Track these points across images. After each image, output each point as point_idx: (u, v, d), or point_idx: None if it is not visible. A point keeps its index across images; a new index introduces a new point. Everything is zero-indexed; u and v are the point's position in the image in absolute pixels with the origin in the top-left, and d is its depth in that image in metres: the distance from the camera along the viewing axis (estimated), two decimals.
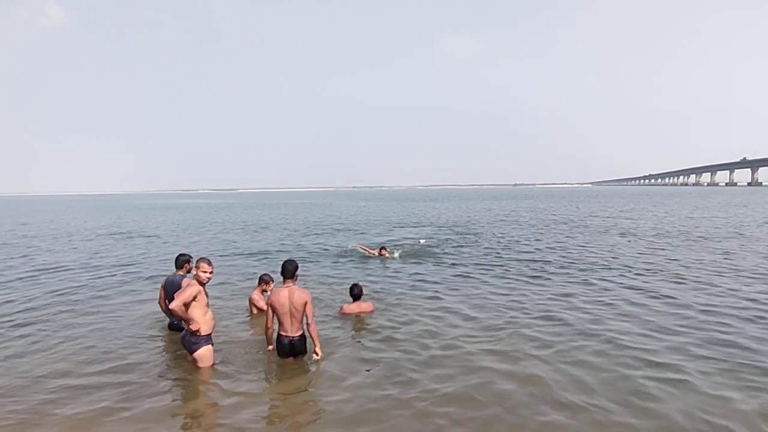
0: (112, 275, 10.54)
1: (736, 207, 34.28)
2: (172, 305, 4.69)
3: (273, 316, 5.10)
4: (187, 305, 4.75)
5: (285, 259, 5.38)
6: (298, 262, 5.30)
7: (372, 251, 12.67)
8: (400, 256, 12.40)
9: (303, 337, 5.16)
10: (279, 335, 5.15)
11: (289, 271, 5.12)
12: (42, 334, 6.32)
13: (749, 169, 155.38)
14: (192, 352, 4.95)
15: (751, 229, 18.35)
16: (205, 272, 4.90)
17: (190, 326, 4.82)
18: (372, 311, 7.04)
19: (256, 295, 7.02)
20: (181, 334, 5.12)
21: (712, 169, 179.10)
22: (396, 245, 14.44)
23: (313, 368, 5.07)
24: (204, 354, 4.97)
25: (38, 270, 11.35)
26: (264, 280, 7.13)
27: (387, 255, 12.35)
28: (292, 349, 5.12)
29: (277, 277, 5.78)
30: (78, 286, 9.36)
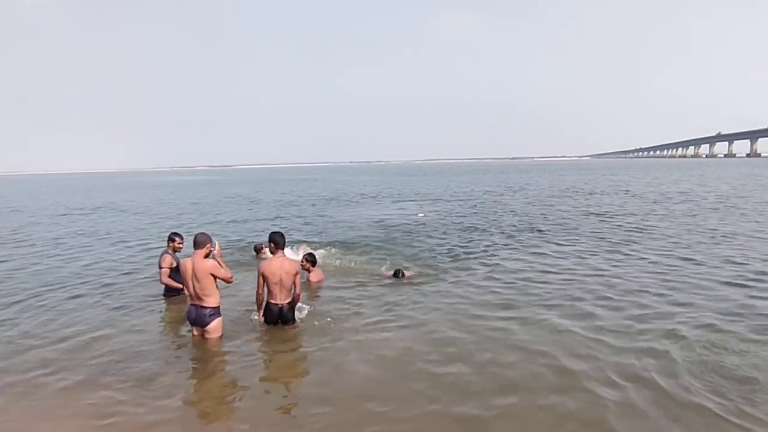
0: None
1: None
2: (226, 275, 5.12)
3: (263, 284, 5.52)
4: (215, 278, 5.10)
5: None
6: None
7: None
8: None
9: (291, 305, 5.62)
10: (268, 302, 5.59)
11: (279, 243, 5.58)
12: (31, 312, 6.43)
13: (748, 140, 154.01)
14: (206, 324, 5.16)
15: None
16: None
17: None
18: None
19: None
20: (186, 310, 5.34)
21: (711, 140, 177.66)
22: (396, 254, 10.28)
23: (310, 337, 5.46)
24: (217, 326, 5.22)
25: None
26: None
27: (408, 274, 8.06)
28: (281, 316, 5.59)
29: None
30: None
